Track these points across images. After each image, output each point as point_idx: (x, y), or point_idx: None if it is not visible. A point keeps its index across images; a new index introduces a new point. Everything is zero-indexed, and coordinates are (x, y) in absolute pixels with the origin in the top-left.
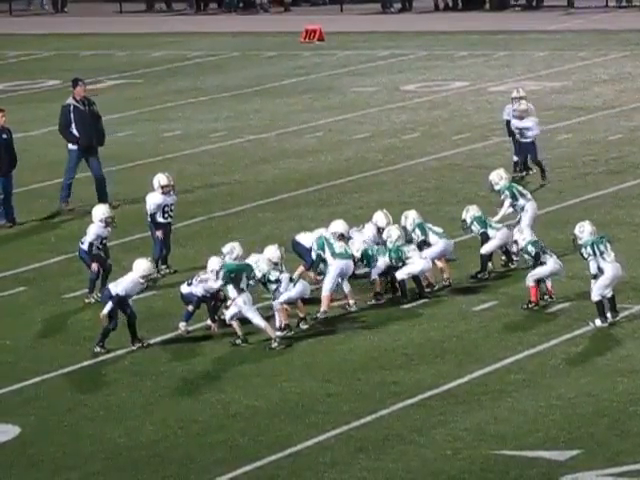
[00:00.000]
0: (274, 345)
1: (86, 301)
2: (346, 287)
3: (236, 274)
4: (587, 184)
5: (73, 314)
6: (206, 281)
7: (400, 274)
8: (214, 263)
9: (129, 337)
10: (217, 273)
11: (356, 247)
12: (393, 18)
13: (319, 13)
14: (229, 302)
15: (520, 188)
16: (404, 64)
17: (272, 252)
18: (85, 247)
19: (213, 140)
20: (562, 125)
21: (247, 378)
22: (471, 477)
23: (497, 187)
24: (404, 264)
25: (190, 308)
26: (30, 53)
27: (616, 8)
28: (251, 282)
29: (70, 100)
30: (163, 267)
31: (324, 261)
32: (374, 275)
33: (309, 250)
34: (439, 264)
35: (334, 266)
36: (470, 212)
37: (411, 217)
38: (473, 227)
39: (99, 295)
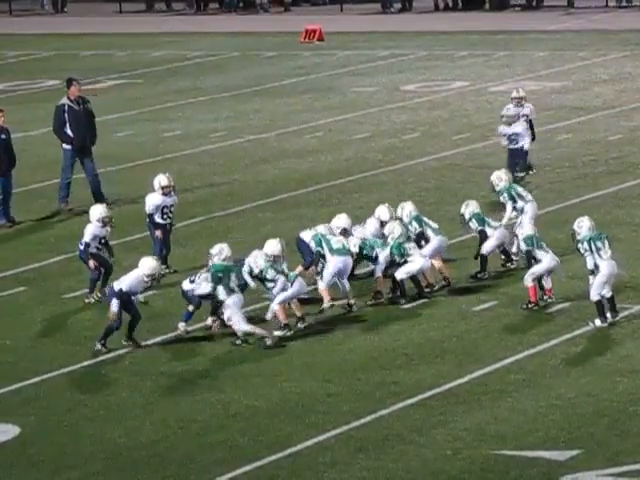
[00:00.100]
0: (269, 343)
1: (86, 301)
2: (346, 287)
3: (224, 274)
4: (587, 184)
5: (73, 314)
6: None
7: (399, 274)
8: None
9: (126, 333)
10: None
11: (353, 243)
12: (393, 18)
13: (319, 13)
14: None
15: (520, 190)
16: (404, 64)
17: (272, 246)
18: (82, 247)
19: (213, 140)
20: (562, 125)
21: (247, 378)
22: (471, 477)
23: (497, 188)
24: (405, 261)
25: (190, 308)
26: (30, 53)
27: (616, 8)
28: (249, 281)
29: (64, 100)
30: (163, 267)
31: (323, 257)
32: (378, 273)
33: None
34: (436, 263)
35: (332, 262)
36: (469, 207)
37: (407, 209)
38: (471, 224)
39: (99, 295)
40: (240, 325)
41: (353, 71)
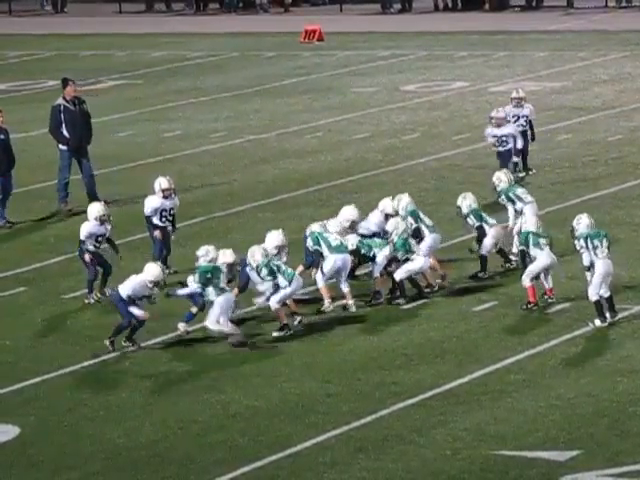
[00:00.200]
0: (231, 340)
1: (85, 302)
2: (345, 287)
3: (213, 275)
4: (587, 184)
5: (73, 314)
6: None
7: (399, 274)
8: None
9: (127, 334)
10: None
11: (351, 242)
12: (393, 18)
13: (319, 13)
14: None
15: (518, 191)
16: (404, 64)
17: (275, 237)
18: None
19: (213, 140)
20: (562, 125)
21: (247, 378)
22: (471, 477)
23: (498, 189)
24: (407, 259)
25: (194, 310)
26: (30, 53)
27: (616, 8)
28: (254, 277)
29: (60, 100)
30: (165, 270)
31: (322, 255)
32: (376, 273)
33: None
34: (430, 261)
35: (330, 259)
36: (467, 201)
37: (404, 201)
38: (469, 220)
39: (99, 295)
40: (209, 321)
41: (353, 71)
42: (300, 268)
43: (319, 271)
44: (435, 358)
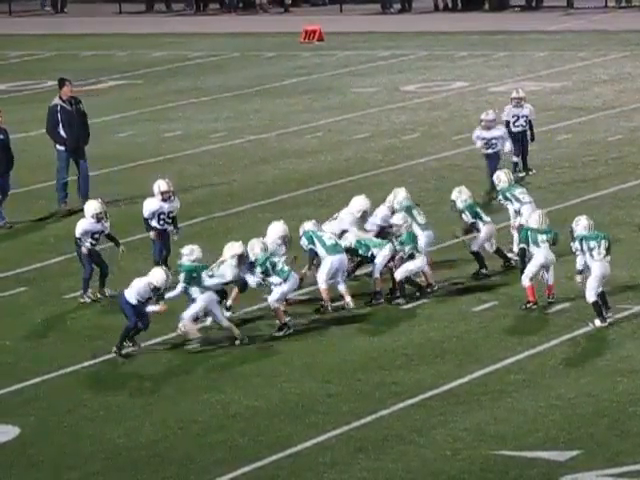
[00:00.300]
0: (190, 346)
1: (81, 301)
2: (342, 286)
3: (197, 274)
4: (587, 184)
5: (73, 314)
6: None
7: (399, 274)
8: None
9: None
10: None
11: (348, 241)
12: (393, 18)
13: (318, 13)
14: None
15: (517, 192)
16: (404, 64)
17: (278, 228)
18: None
19: (213, 140)
20: (562, 125)
21: (247, 378)
22: (471, 477)
23: (497, 188)
24: (412, 255)
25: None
26: (30, 53)
27: (616, 8)
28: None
29: (56, 100)
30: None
31: (316, 254)
32: (376, 274)
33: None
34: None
35: (327, 261)
36: (462, 196)
37: (400, 196)
38: (464, 216)
39: (99, 296)
40: (185, 317)
41: (353, 71)
42: (305, 269)
43: (319, 273)
44: (435, 358)
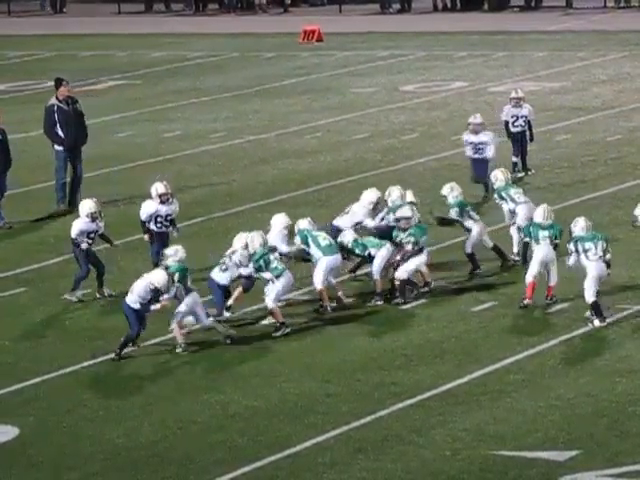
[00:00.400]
0: (177, 350)
1: (66, 297)
2: (333, 280)
3: (185, 275)
4: (586, 185)
5: (72, 314)
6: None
7: (399, 273)
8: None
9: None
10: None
11: (347, 240)
12: (392, 18)
13: (318, 14)
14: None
15: (512, 191)
16: (403, 64)
17: (282, 219)
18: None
19: (213, 140)
20: (561, 125)
21: (246, 379)
22: (470, 477)
23: (494, 187)
24: (422, 249)
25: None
26: (30, 53)
27: (615, 8)
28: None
29: (53, 100)
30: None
31: (309, 253)
32: (376, 275)
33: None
34: None
35: (322, 261)
36: (454, 192)
37: (394, 194)
38: (452, 212)
39: (98, 296)
40: (174, 320)
41: (352, 72)
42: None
43: (315, 275)
44: (434, 358)
